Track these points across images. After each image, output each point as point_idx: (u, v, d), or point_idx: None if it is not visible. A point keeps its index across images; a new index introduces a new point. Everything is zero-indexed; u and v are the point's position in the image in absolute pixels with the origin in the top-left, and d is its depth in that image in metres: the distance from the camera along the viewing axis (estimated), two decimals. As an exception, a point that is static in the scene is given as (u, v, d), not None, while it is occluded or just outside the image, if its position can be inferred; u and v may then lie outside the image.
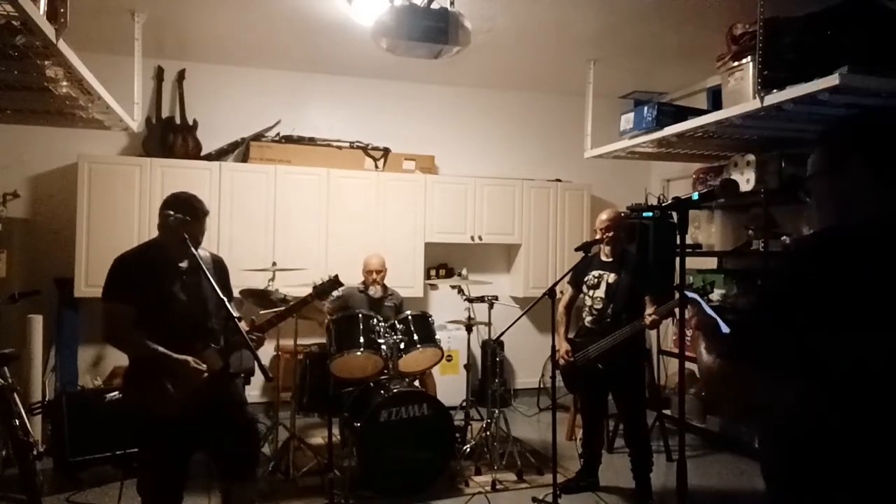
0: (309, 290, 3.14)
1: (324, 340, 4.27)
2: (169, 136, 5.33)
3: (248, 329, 2.74)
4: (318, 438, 4.68)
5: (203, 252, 2.81)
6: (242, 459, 2.81)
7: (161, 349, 2.56)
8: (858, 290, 1.18)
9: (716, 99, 4.01)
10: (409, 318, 4.21)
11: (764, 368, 1.23)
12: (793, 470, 1.28)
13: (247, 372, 4.92)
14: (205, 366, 2.61)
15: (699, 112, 4.03)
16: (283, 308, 3.15)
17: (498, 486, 3.96)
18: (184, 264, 2.74)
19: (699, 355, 1.38)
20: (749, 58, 3.43)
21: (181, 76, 5.48)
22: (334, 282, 3.14)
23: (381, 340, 4.02)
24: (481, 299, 4.42)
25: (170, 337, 2.59)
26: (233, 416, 2.79)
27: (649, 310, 3.62)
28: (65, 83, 3.15)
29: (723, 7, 3.91)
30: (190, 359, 2.59)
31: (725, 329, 1.39)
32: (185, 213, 2.71)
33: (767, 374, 1.23)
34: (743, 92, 3.49)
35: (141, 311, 2.61)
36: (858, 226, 1.30)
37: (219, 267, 2.89)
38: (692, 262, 5.32)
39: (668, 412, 5.13)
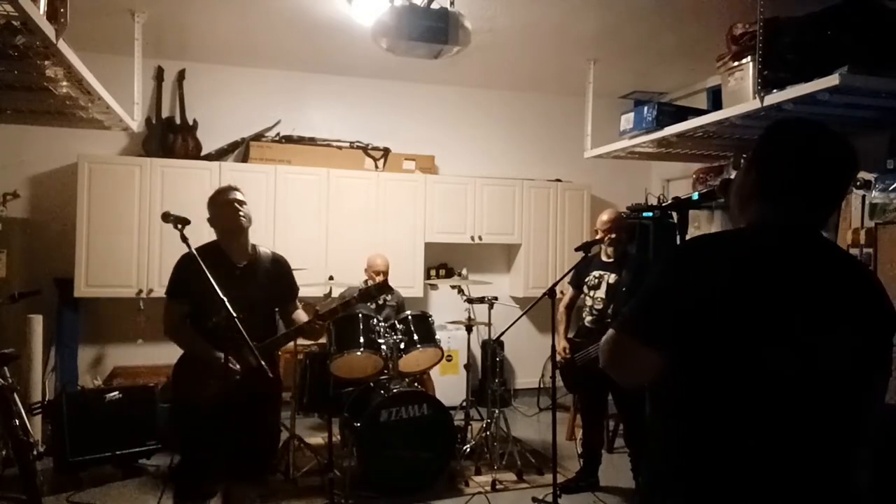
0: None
1: (324, 340, 4.27)
2: (169, 136, 5.33)
3: (309, 319, 2.87)
4: (318, 438, 4.68)
5: (263, 251, 2.93)
6: (255, 460, 2.84)
7: (205, 345, 2.68)
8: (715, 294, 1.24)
9: (716, 99, 4.01)
10: (409, 318, 4.21)
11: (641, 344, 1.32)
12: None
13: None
14: (238, 367, 2.68)
15: (699, 112, 4.02)
16: (340, 301, 3.26)
17: (498, 486, 3.96)
18: (241, 264, 2.83)
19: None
20: (749, 58, 3.42)
21: (181, 76, 5.48)
22: (382, 286, 3.25)
23: (381, 340, 4.02)
24: (481, 299, 4.42)
25: (212, 335, 2.67)
26: (260, 416, 2.83)
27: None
28: (65, 83, 3.15)
29: (723, 7, 3.91)
30: (222, 356, 2.66)
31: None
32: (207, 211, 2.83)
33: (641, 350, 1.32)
34: (743, 92, 3.48)
35: (194, 308, 2.75)
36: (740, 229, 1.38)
37: (277, 266, 2.96)
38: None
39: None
